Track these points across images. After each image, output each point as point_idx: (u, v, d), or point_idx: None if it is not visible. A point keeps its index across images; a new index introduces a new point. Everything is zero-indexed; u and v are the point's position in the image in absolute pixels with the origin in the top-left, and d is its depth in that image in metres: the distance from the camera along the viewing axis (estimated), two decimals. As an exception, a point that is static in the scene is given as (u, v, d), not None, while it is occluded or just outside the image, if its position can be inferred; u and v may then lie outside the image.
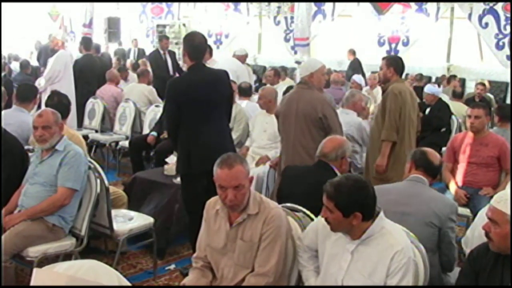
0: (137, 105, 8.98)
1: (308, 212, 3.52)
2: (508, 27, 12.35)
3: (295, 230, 3.42)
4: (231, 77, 7.96)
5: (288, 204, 3.59)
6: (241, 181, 3.16)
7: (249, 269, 3.22)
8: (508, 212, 2.66)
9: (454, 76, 12.24)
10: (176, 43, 19.78)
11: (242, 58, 9.85)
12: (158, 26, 19.69)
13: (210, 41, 17.49)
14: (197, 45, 4.72)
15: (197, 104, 4.64)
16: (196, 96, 4.64)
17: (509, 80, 12.73)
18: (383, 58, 5.85)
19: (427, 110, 8.79)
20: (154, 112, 8.53)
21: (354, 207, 2.88)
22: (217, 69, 5.23)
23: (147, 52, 17.87)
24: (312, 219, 3.45)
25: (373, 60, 14.05)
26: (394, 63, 5.72)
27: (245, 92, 8.10)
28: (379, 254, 2.89)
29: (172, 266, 5.17)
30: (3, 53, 14.70)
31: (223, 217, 3.30)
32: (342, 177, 3.07)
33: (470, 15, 13.03)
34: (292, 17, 14.97)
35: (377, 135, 5.69)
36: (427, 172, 3.91)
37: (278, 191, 4.53)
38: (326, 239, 3.11)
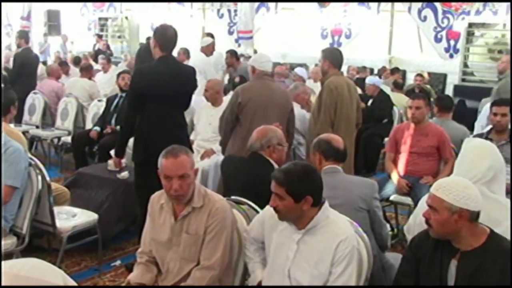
0: (79, 100, 8.82)
1: (253, 205, 3.54)
2: (446, 21, 12.68)
3: (241, 223, 3.44)
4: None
5: (233, 197, 3.60)
6: (187, 171, 3.17)
7: (195, 262, 3.22)
8: (447, 199, 2.74)
9: (397, 69, 12.47)
10: (119, 37, 19.54)
11: (209, 49, 9.62)
12: (100, 19, 19.39)
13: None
14: (168, 37, 4.79)
15: (161, 94, 4.69)
16: (162, 86, 4.69)
17: (447, 72, 13.08)
18: (322, 51, 5.81)
19: (369, 102, 8.94)
20: (97, 107, 8.40)
21: (305, 191, 2.92)
22: (186, 65, 5.31)
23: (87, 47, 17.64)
24: (257, 211, 3.47)
25: (316, 53, 14.19)
26: (330, 56, 5.66)
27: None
28: (325, 243, 2.93)
29: (118, 262, 5.13)
30: None
31: (167, 211, 3.29)
32: (290, 163, 3.11)
33: (409, 9, 13.30)
34: (235, 10, 14.96)
35: (313, 129, 5.64)
36: (338, 160, 3.94)
37: (223, 184, 4.53)
38: (272, 230, 3.13)
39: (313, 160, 4.03)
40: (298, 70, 10.37)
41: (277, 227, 3.11)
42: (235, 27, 15.44)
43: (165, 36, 4.79)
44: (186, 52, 9.95)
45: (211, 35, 10.18)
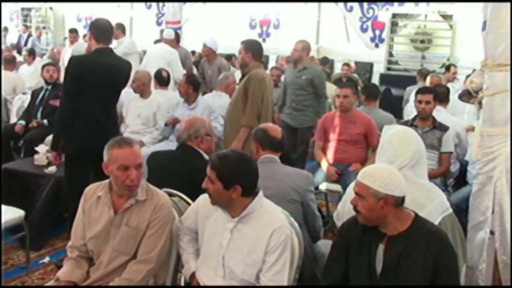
0: (2, 93, 8.53)
1: (184, 196, 3.53)
2: (371, 11, 12.94)
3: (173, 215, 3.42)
4: (161, 65, 7.70)
5: (165, 189, 3.58)
6: (141, 160, 3.18)
7: (128, 256, 3.17)
8: (372, 186, 2.82)
9: (326, 58, 12.64)
10: (44, 28, 18.96)
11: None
12: (23, 9, 18.76)
13: (80, 26, 16.90)
14: (103, 30, 4.82)
15: (97, 85, 4.66)
16: (98, 77, 4.67)
17: (373, 61, 13.36)
18: (242, 42, 5.73)
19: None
20: (21, 100, 8.13)
21: (235, 179, 2.93)
22: (122, 58, 5.22)
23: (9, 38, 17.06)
24: (188, 203, 3.46)
25: (245, 43, 14.21)
26: (252, 48, 5.60)
27: (163, 81, 7.52)
28: (258, 232, 2.96)
29: (47, 259, 4.99)
30: None
31: (106, 203, 3.23)
32: (228, 150, 3.17)
33: (336, -1, 13.50)
34: (164, 0, 14.77)
35: (236, 119, 5.56)
36: (275, 149, 3.96)
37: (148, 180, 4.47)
38: (206, 219, 3.14)
39: (252, 149, 4.07)
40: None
41: (211, 216, 3.12)
42: (163, 18, 15.24)
43: (100, 28, 4.81)
44: (121, 27, 9.67)
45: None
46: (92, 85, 4.65)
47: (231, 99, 5.86)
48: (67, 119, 4.68)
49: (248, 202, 3.00)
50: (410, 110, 7.49)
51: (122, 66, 4.97)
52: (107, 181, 3.27)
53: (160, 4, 16.05)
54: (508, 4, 3.07)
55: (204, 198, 3.12)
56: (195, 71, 9.74)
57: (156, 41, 9.75)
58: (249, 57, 5.55)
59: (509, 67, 3.09)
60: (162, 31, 10.28)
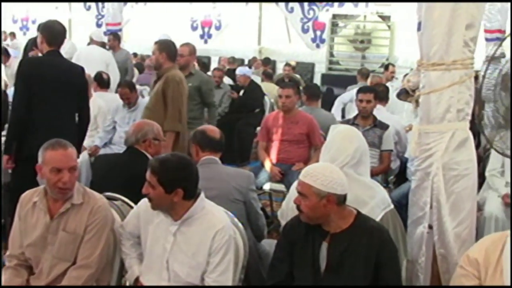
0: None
1: (127, 200, 3.50)
2: (312, 12, 13.08)
3: (115, 219, 3.38)
4: (100, 68, 7.50)
5: (107, 193, 3.54)
6: (75, 162, 3.13)
7: (70, 262, 3.12)
8: (314, 185, 2.86)
9: (268, 59, 12.71)
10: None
11: (104, 45, 9.23)
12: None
13: (16, 28, 16.49)
14: (56, 32, 4.68)
15: (48, 88, 4.54)
16: (50, 80, 4.54)
17: (314, 61, 13.50)
18: (155, 43, 5.58)
19: (241, 92, 9.06)
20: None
21: (176, 183, 2.93)
22: (74, 63, 5.12)
23: None
24: (131, 207, 3.43)
25: (187, 44, 14.14)
26: (167, 48, 5.44)
27: (104, 83, 7.32)
28: (201, 234, 2.96)
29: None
30: None
31: (42, 209, 3.16)
32: (168, 154, 3.14)
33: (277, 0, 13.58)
34: (103, 2, 14.55)
35: None
36: (214, 150, 3.96)
37: (91, 184, 4.40)
38: (148, 223, 3.12)
39: (192, 152, 4.04)
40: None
41: (153, 219, 3.10)
42: (103, 20, 15.02)
43: (52, 31, 4.68)
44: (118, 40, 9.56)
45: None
46: (43, 88, 4.53)
47: (147, 103, 5.61)
48: (19, 121, 4.56)
49: (190, 205, 3.00)
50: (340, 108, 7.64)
51: (75, 69, 4.84)
52: (42, 186, 3.21)
53: (100, 5, 15.79)
54: (442, 4, 3.16)
55: (145, 202, 3.10)
56: (136, 73, 9.63)
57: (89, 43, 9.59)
58: (163, 57, 5.38)
59: (443, 66, 3.18)
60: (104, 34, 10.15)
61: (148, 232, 3.12)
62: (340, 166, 3.30)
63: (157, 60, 5.42)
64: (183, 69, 5.90)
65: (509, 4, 7.70)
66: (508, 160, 4.79)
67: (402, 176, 5.89)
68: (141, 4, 15.15)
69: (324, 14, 13.00)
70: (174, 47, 5.56)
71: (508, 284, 2.52)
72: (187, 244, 2.99)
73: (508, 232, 2.68)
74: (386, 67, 10.28)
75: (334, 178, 2.89)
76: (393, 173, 6.00)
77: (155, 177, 2.93)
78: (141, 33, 15.86)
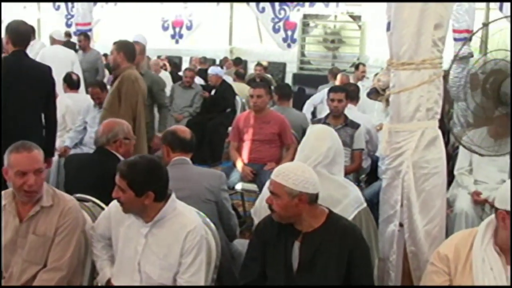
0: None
1: (97, 201, 3.48)
2: (283, 12, 13.12)
3: (86, 221, 3.35)
4: (66, 68, 7.40)
5: (77, 195, 3.50)
6: (41, 165, 3.07)
7: (40, 265, 3.08)
8: (286, 184, 2.87)
9: (239, 59, 12.72)
10: None
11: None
12: None
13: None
14: (21, 32, 4.66)
15: (13, 89, 4.48)
16: (13, 81, 4.50)
17: (286, 61, 13.54)
18: (114, 43, 5.49)
19: (212, 92, 9.05)
20: None
21: (147, 186, 2.91)
22: (40, 63, 5.04)
23: None
24: (102, 208, 3.41)
25: (158, 44, 14.11)
26: (124, 48, 5.37)
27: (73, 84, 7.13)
28: (173, 235, 2.96)
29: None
30: None
31: (11, 212, 3.11)
32: (137, 156, 3.10)
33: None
34: (73, 1, 14.40)
35: None
36: (185, 151, 3.95)
37: (65, 185, 4.36)
38: (119, 224, 3.10)
39: (163, 153, 4.03)
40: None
41: (123, 221, 3.08)
42: (73, 19, 14.86)
43: (17, 31, 4.64)
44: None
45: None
46: (8, 88, 4.47)
47: (104, 103, 5.53)
48: None
49: (161, 206, 2.99)
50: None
51: (42, 69, 4.79)
52: (10, 189, 3.16)
53: (69, 5, 15.63)
54: (411, 4, 3.19)
55: (116, 204, 3.07)
56: (107, 73, 9.56)
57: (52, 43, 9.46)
58: (121, 57, 5.32)
59: (412, 66, 3.22)
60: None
61: (119, 234, 3.10)
62: (313, 165, 3.32)
63: (115, 60, 5.37)
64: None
65: (475, 4, 7.83)
66: (475, 159, 4.87)
67: (373, 175, 5.94)
68: (111, 4, 15.04)
69: (295, 14, 13.07)
70: (133, 47, 5.50)
71: (478, 278, 2.56)
72: (159, 246, 2.98)
73: (477, 228, 2.72)
74: (356, 66, 10.34)
75: (305, 177, 2.90)
76: (364, 172, 6.04)
77: (124, 181, 2.91)
78: (112, 33, 15.73)
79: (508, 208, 2.55)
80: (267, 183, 3.23)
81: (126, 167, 2.95)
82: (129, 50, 5.38)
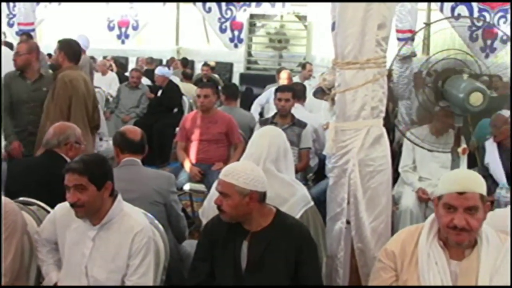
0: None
1: (43, 205, 3.41)
2: (229, 12, 13.13)
3: (31, 225, 3.27)
4: (8, 68, 7.14)
5: (21, 198, 3.43)
6: None
7: None
8: (237, 183, 2.88)
9: (186, 59, 12.66)
10: None
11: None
12: None
13: None
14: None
15: None
16: None
17: (233, 61, 13.55)
18: (58, 42, 5.35)
19: (159, 92, 8.98)
20: None
21: (104, 177, 2.93)
22: None
23: None
24: (48, 211, 3.34)
25: (104, 45, 13.94)
26: (66, 47, 5.23)
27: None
28: (120, 237, 2.93)
29: None
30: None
31: None
32: (82, 155, 3.10)
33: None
34: (14, 1, 14.08)
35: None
36: (135, 152, 3.92)
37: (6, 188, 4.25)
38: (65, 228, 3.05)
39: (114, 153, 4.00)
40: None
41: (70, 225, 3.03)
42: (15, 19, 14.51)
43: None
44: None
45: None
46: None
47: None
48: None
49: (110, 206, 2.96)
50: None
51: None
52: None
53: (11, 4, 15.26)
54: (354, 4, 3.23)
55: (61, 207, 3.04)
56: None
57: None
58: (62, 57, 5.19)
59: (357, 65, 3.26)
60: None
61: (65, 238, 3.06)
62: (258, 163, 3.34)
63: (57, 59, 5.26)
64: (25, 71, 5.39)
65: (418, 5, 8.02)
66: (418, 156, 4.99)
67: (320, 173, 5.98)
68: (55, 3, 14.76)
69: (242, 14, 13.08)
70: (77, 46, 5.36)
71: (424, 273, 2.61)
72: (106, 248, 2.95)
73: (422, 224, 2.78)
74: (303, 66, 10.42)
75: (255, 176, 2.92)
76: (312, 171, 6.09)
77: (85, 177, 2.88)
78: (56, 33, 15.45)
79: (439, 194, 2.62)
80: (215, 184, 3.24)
81: (81, 164, 2.91)
82: (71, 50, 5.25)
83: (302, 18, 12.83)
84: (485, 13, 10.02)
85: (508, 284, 2.52)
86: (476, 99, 3.74)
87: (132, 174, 3.79)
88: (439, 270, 2.58)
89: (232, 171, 2.93)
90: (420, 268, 2.62)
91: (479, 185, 2.59)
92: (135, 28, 14.73)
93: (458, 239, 2.55)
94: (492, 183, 4.97)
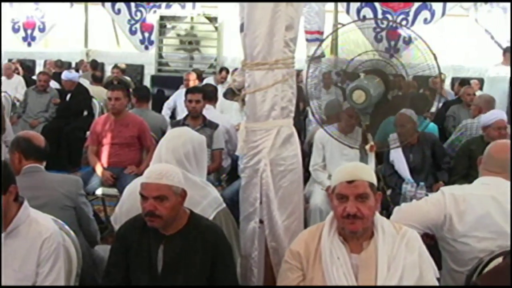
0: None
1: None
2: (139, 13, 13.00)
3: None
4: None
5: None
6: None
7: None
8: (173, 183, 2.88)
9: (95, 62, 12.43)
10: None
11: None
12: None
13: None
14: None
15: None
16: None
17: (144, 63, 13.42)
18: None
19: (68, 96, 8.77)
20: None
21: (7, 180, 2.77)
22: None
23: None
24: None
25: (9, 47, 13.48)
26: None
27: None
28: (28, 244, 2.83)
29: None
30: None
31: None
32: None
33: (103, 4, 13.33)
34: None
35: None
36: (39, 158, 3.83)
37: None
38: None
39: (12, 160, 3.84)
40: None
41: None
42: None
43: None
44: None
45: None
46: None
47: None
48: None
49: (15, 212, 2.84)
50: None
51: None
52: None
53: None
54: (262, 5, 3.27)
55: None
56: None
57: None
58: None
59: (266, 66, 3.30)
60: None
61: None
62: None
63: None
64: None
65: (325, 7, 8.23)
66: (328, 155, 5.11)
67: (233, 173, 6.03)
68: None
69: (152, 15, 12.99)
70: None
71: (328, 268, 2.69)
72: (14, 257, 2.83)
73: (323, 223, 2.88)
74: (220, 70, 10.49)
75: (179, 173, 2.95)
76: (225, 171, 6.13)
77: None
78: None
79: (332, 186, 2.75)
80: (127, 190, 3.19)
81: None
82: None
83: (212, 20, 12.83)
84: (388, 15, 10.44)
85: (401, 269, 2.63)
86: (359, 96, 3.90)
87: (37, 181, 3.70)
88: (341, 264, 2.67)
89: (163, 173, 2.90)
90: (324, 265, 2.70)
91: (367, 173, 2.74)
92: (41, 30, 14.34)
93: (352, 228, 2.67)
94: (398, 179, 5.17)
